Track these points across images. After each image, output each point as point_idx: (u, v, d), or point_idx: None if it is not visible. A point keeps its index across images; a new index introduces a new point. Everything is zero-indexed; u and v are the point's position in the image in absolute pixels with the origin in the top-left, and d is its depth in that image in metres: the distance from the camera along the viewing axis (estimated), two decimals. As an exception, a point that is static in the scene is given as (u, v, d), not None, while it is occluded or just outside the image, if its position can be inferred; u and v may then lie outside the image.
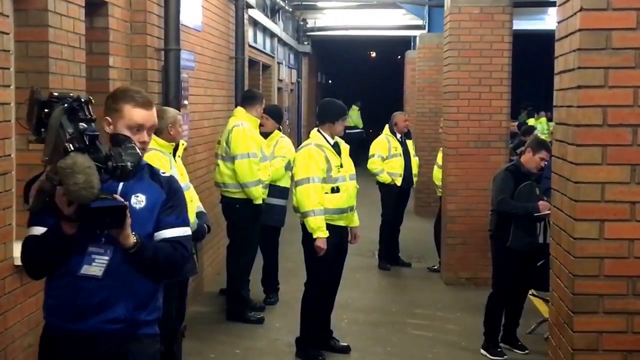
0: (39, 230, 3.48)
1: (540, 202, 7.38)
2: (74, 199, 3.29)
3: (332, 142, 7.31)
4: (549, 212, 6.33)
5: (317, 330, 7.44)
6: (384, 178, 11.33)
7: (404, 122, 11.63)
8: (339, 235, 7.27)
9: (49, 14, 5.27)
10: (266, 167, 8.46)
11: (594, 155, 4.23)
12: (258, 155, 8.30)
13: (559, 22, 4.65)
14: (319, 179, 7.11)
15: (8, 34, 4.86)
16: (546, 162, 7.33)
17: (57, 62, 5.40)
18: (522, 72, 21.94)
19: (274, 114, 9.27)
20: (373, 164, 11.38)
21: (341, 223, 7.28)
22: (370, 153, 11.49)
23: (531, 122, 21.51)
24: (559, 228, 4.63)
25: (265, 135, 8.99)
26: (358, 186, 7.48)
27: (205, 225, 6.66)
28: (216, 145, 8.71)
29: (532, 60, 25.04)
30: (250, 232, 8.49)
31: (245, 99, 8.71)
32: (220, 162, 8.45)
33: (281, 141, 9.05)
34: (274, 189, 8.77)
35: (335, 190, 7.18)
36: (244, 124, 8.33)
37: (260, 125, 8.93)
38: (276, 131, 9.14)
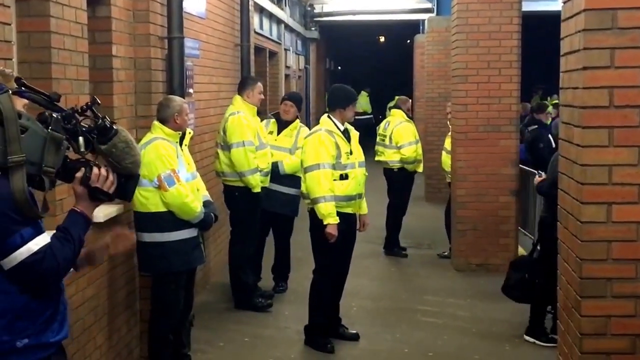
0: (47, 236, 3.19)
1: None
2: (130, 172, 3.35)
3: (342, 128, 7.26)
4: None
5: (326, 318, 7.41)
6: (420, 167, 11.46)
7: (405, 104, 11.68)
8: (348, 223, 7.21)
9: (50, 4, 5.23)
10: (264, 155, 8.41)
11: (600, 137, 4.17)
12: (254, 143, 8.25)
13: (564, 3, 4.58)
14: (329, 165, 7.06)
15: (9, 24, 4.82)
16: None
17: (60, 52, 5.37)
18: (535, 54, 21.79)
19: (298, 100, 9.30)
20: (411, 152, 11.18)
21: (349, 210, 7.23)
22: (405, 141, 11.19)
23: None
24: (566, 212, 4.58)
25: (287, 123, 8.95)
26: (367, 173, 7.44)
27: (212, 215, 6.66)
28: (217, 134, 8.68)
29: (545, 41, 24.82)
30: (251, 220, 8.48)
31: (240, 85, 8.68)
32: (219, 151, 8.44)
33: (302, 131, 8.97)
34: (295, 180, 8.69)
35: (344, 177, 7.13)
36: (239, 113, 8.30)
37: (284, 112, 8.94)
38: (297, 120, 9.10)
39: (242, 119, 8.25)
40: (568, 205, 4.51)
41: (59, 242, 3.19)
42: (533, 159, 11.45)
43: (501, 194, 10.10)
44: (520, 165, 10.50)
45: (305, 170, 7.17)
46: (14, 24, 5.10)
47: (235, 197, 8.41)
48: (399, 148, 11.16)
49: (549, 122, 12.37)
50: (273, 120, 9.17)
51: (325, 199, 7.00)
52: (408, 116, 11.50)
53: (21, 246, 3.05)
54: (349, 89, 7.55)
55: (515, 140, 10.12)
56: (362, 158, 7.34)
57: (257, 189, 8.29)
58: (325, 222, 7.00)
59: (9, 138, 3.00)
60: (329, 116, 7.32)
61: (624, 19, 4.07)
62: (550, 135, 11.67)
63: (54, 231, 3.28)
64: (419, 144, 11.39)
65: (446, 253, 11.05)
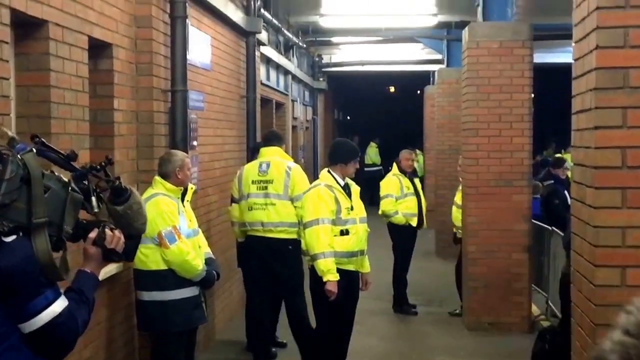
0: (65, 299, 3.09)
1: None
2: (140, 232, 3.40)
3: (342, 183, 7.13)
4: None
5: None
6: (399, 219, 11.03)
7: (407, 160, 11.34)
8: (349, 280, 7.03)
9: (50, 58, 5.18)
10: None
11: (613, 199, 4.04)
12: None
13: (575, 60, 4.48)
14: (328, 220, 6.91)
15: (8, 79, 4.74)
16: None
17: (60, 107, 5.30)
18: (547, 105, 21.73)
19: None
20: (387, 205, 11.04)
21: (351, 267, 7.05)
22: (383, 193, 11.16)
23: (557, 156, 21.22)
24: (579, 274, 4.42)
25: None
26: (369, 229, 7.29)
27: (214, 272, 6.52)
28: (239, 184, 8.44)
29: (558, 93, 24.83)
30: None
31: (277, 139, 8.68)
32: (272, 200, 8.16)
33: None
34: None
35: (344, 232, 6.97)
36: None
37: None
38: None
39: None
40: (582, 268, 4.37)
41: (76, 304, 3.14)
42: (548, 215, 11.25)
43: (513, 251, 9.90)
44: (534, 221, 10.32)
45: (305, 225, 7.03)
46: (13, 78, 5.02)
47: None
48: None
49: (565, 177, 12.19)
50: None
51: (325, 255, 6.83)
52: (401, 170, 11.26)
53: (46, 308, 2.99)
54: (352, 144, 7.46)
55: (528, 195, 9.94)
56: (363, 214, 7.19)
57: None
58: (325, 279, 6.82)
59: (34, 198, 2.96)
60: (329, 171, 7.20)
61: (635, 78, 3.96)
62: (566, 191, 11.48)
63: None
64: (410, 198, 11.13)
65: (457, 311, 10.78)
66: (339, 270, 6.87)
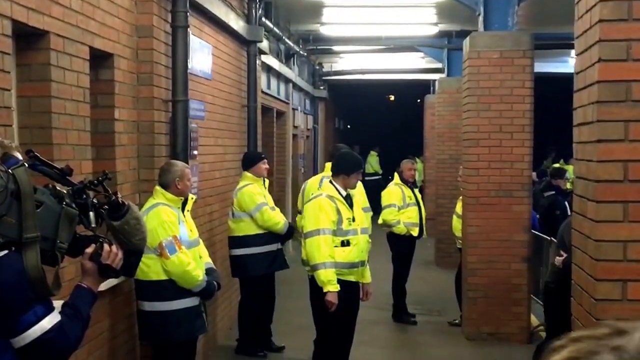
0: (57, 314, 3.11)
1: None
2: (138, 248, 3.37)
3: (344, 194, 7.10)
4: None
5: None
6: (400, 229, 11.00)
7: (409, 170, 11.30)
8: (349, 291, 7.00)
9: (51, 68, 5.17)
10: None
11: (615, 212, 4.03)
12: None
13: (577, 73, 4.47)
14: (329, 230, 6.89)
15: (9, 90, 4.73)
16: None
17: (61, 117, 5.29)
18: (548, 115, 21.67)
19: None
20: (390, 215, 11.01)
21: (351, 278, 7.03)
22: (385, 203, 11.12)
23: (556, 166, 21.15)
24: (580, 288, 4.41)
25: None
26: (370, 240, 7.27)
27: (214, 283, 6.51)
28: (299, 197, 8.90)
29: (559, 102, 24.83)
30: None
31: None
32: None
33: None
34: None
35: (345, 243, 6.95)
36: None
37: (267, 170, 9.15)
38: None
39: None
40: (582, 282, 4.35)
41: (69, 320, 3.12)
42: (548, 226, 11.22)
43: (513, 261, 9.87)
44: (533, 231, 10.30)
45: (305, 236, 7.00)
46: (14, 89, 5.01)
47: None
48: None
49: (566, 188, 12.17)
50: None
51: (325, 265, 6.81)
52: (403, 179, 11.22)
53: (35, 324, 2.98)
54: (356, 156, 7.47)
55: (528, 206, 9.92)
56: (365, 225, 7.19)
57: None
58: (325, 290, 6.80)
59: (24, 213, 2.94)
60: (331, 181, 7.19)
61: (638, 92, 3.96)
62: (566, 202, 11.45)
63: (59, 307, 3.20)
64: (412, 208, 11.10)
65: (457, 321, 10.76)
66: (339, 281, 6.85)
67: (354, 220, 7.03)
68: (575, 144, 4.55)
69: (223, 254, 8.80)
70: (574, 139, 4.56)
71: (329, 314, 6.86)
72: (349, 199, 7.12)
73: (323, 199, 7.00)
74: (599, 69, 3.98)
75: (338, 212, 6.96)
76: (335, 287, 6.81)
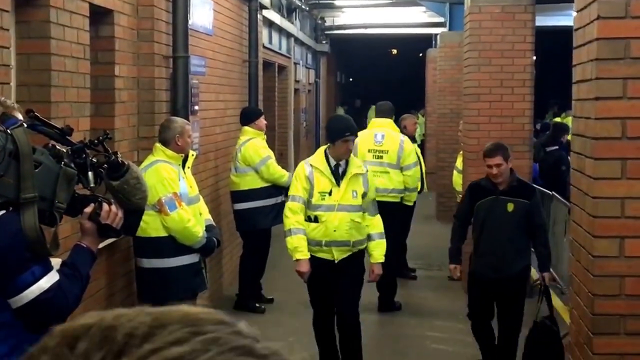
0: (56, 274, 3.12)
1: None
2: (139, 207, 3.38)
3: (333, 164, 6.53)
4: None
5: (326, 350, 6.90)
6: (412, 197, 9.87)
7: (413, 125, 10.93)
8: (317, 266, 6.49)
9: (51, 26, 5.14)
10: None
11: (613, 170, 4.06)
12: None
13: (576, 30, 4.46)
14: (299, 197, 6.44)
15: (8, 48, 4.73)
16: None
17: (60, 75, 5.27)
18: (550, 69, 21.60)
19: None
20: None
21: (323, 255, 6.53)
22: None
23: (557, 121, 21.06)
24: (578, 244, 4.44)
25: None
26: (359, 220, 6.58)
27: (214, 239, 6.52)
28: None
29: (560, 56, 24.70)
30: None
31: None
32: (390, 169, 9.16)
33: None
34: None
35: (312, 219, 6.51)
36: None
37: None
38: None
39: None
40: (580, 238, 4.38)
41: (67, 280, 3.13)
42: (554, 182, 11.14)
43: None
44: (535, 185, 10.30)
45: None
46: (13, 47, 5.00)
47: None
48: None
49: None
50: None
51: (292, 232, 6.42)
52: (406, 134, 10.14)
53: (33, 284, 3.00)
54: (344, 121, 6.77)
55: (529, 160, 9.93)
56: (350, 201, 6.48)
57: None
58: (293, 258, 6.50)
59: (23, 174, 2.94)
60: (326, 150, 6.64)
61: (636, 49, 3.95)
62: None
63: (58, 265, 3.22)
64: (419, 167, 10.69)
65: (457, 275, 10.76)
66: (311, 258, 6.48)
67: (330, 194, 6.45)
68: (574, 101, 4.57)
69: (222, 209, 8.83)
70: (573, 96, 4.57)
71: (307, 283, 6.64)
72: (338, 172, 6.53)
73: (301, 165, 6.70)
74: (597, 26, 3.98)
75: (309, 182, 6.47)
76: (303, 255, 6.41)
